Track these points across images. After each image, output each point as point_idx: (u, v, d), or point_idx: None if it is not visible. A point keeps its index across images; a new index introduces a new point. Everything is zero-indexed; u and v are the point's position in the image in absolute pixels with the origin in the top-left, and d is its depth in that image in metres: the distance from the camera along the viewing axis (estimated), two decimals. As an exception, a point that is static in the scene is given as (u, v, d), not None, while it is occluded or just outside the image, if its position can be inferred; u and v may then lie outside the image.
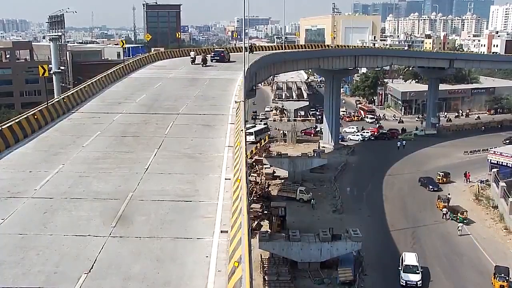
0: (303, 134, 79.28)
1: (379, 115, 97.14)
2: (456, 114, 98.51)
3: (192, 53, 51.36)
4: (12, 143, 21.14)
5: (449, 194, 51.43)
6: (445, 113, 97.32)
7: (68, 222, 13.97)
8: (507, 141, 74.49)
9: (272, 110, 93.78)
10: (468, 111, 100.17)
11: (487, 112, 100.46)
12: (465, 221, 44.50)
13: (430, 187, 54.38)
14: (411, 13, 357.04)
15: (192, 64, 48.12)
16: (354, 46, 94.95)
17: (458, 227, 44.31)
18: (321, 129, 79.87)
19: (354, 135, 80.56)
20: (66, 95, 29.74)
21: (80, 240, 12.92)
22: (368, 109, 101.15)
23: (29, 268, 11.55)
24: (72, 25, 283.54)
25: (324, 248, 35.45)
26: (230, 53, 54.14)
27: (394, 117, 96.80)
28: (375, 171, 61.33)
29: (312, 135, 79.96)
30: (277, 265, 35.67)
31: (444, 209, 47.99)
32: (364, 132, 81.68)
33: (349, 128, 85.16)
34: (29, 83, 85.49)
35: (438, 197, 50.18)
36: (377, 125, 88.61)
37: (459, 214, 45.28)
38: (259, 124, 79.87)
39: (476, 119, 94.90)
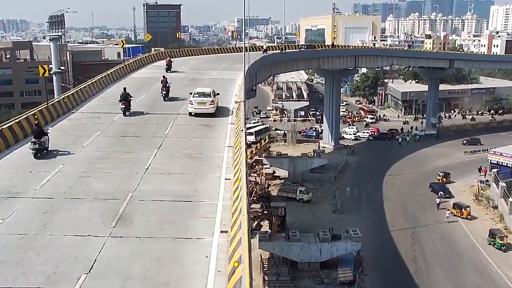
0: (302, 134, 79.35)
1: (379, 115, 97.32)
2: (464, 115, 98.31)
3: (264, 46, 65.72)
4: (12, 143, 21.13)
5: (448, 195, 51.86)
6: (447, 114, 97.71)
7: (68, 222, 13.97)
8: (465, 142, 75.24)
9: (273, 110, 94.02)
10: (468, 111, 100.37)
11: (487, 113, 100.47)
12: (503, 247, 40.30)
13: (442, 193, 52.14)
14: (411, 13, 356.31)
15: (263, 53, 57.61)
16: (354, 46, 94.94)
17: (446, 214, 46.16)
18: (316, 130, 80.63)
19: (348, 134, 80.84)
20: (66, 95, 29.74)
21: (80, 240, 12.92)
22: (368, 110, 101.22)
23: (29, 268, 11.56)
24: (72, 25, 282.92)
25: (324, 248, 35.47)
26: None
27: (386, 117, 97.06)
28: (375, 171, 61.34)
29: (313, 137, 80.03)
30: (277, 265, 35.69)
31: (438, 200, 49.42)
32: (362, 132, 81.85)
33: (349, 128, 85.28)
34: (29, 83, 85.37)
35: (453, 205, 48.15)
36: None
37: (497, 238, 40.92)
38: (259, 124, 79.88)
39: (471, 119, 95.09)
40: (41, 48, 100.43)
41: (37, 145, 19.43)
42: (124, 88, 27.59)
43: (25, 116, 23.42)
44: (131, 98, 27.66)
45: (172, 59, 45.12)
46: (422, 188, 55.57)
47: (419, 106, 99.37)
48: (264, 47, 63.45)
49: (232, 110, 28.19)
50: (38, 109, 25.03)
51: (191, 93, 27.41)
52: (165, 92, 30.52)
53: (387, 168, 62.94)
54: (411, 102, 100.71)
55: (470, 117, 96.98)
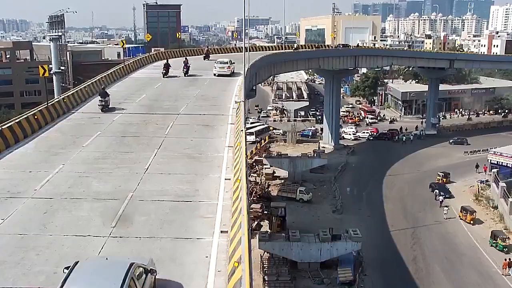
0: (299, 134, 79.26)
1: (381, 116, 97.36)
2: (478, 114, 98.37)
3: (295, 45, 74.28)
4: (12, 143, 21.13)
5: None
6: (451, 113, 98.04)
7: (68, 222, 13.96)
8: (452, 142, 75.68)
9: (273, 110, 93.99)
10: (471, 111, 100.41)
11: (487, 113, 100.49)
12: (505, 249, 39.92)
13: (441, 193, 51.66)
14: (411, 13, 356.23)
15: (293, 51, 68.11)
16: (354, 46, 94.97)
17: (444, 211, 46.63)
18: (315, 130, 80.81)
19: (348, 134, 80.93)
20: (66, 95, 29.74)
21: (80, 240, 12.92)
22: (368, 110, 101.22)
23: (29, 268, 11.55)
24: (72, 25, 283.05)
25: (324, 248, 35.44)
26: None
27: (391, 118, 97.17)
28: (375, 171, 61.34)
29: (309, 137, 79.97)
30: (277, 265, 35.67)
31: (441, 198, 49.64)
32: (362, 132, 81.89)
33: (349, 128, 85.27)
34: (29, 83, 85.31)
35: (461, 208, 47.10)
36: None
37: (499, 240, 40.58)
38: (259, 124, 79.84)
39: (503, 116, 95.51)
40: (41, 48, 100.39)
41: (103, 103, 27.63)
42: (167, 59, 41.77)
43: (25, 116, 23.43)
44: (170, 68, 39.44)
45: (210, 49, 58.36)
46: (422, 188, 55.54)
47: (419, 106, 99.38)
48: (295, 46, 73.02)
49: (232, 110, 28.19)
50: (38, 109, 25.03)
51: (215, 62, 40.83)
52: (185, 70, 39.78)
53: (387, 168, 62.93)
54: (411, 102, 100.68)
55: (502, 114, 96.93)
